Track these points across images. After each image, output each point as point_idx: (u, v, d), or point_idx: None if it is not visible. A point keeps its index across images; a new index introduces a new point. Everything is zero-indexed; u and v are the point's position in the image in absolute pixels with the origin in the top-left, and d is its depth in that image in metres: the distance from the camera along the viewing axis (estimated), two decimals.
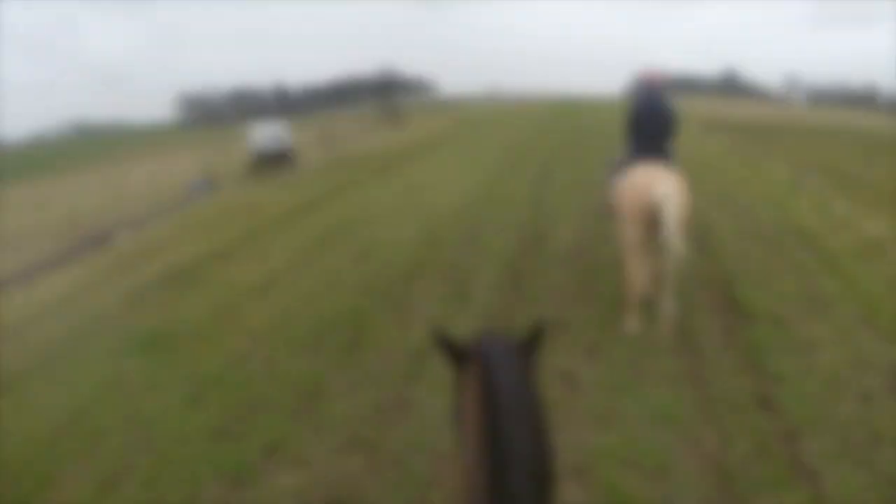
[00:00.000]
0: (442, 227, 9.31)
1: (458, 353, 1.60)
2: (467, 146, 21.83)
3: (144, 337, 6.74)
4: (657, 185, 4.70)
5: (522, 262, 7.42)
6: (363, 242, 9.13)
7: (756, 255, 7.29)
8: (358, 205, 12.29)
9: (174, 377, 5.62)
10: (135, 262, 10.95)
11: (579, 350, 5.08)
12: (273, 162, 22.73)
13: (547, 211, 9.84)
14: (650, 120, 5.27)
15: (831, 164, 14.61)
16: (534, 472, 1.32)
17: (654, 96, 5.34)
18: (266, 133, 23.68)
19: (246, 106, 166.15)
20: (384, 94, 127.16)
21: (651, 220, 4.72)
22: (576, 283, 6.57)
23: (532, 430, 1.37)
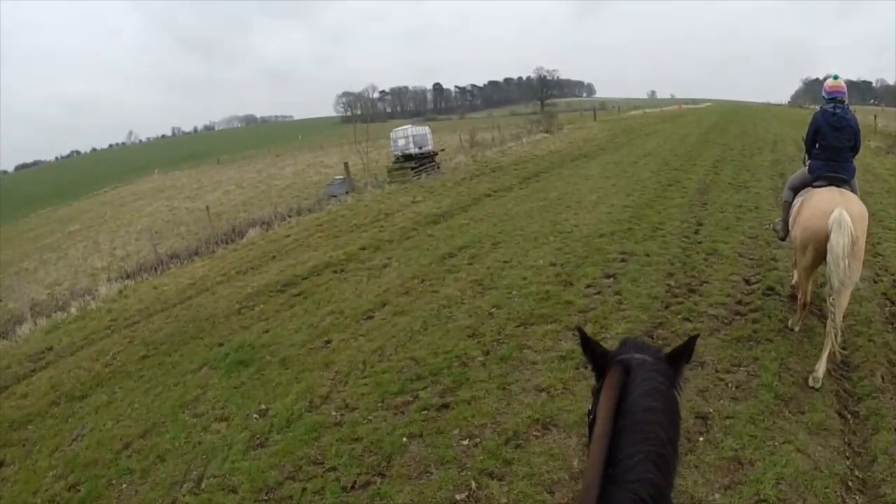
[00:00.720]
0: (579, 258, 8.19)
1: (600, 357, 1.58)
2: (619, 156, 20.04)
3: (234, 353, 6.56)
4: (834, 212, 4.57)
5: (665, 315, 6.07)
6: (486, 269, 8.27)
7: None
8: (492, 221, 11.48)
9: (244, 409, 5.21)
10: (256, 264, 11.06)
11: None
12: (415, 164, 22.66)
13: (704, 243, 8.39)
14: (835, 134, 5.11)
15: None
16: (642, 491, 1.19)
17: (839, 109, 5.15)
18: (408, 135, 23.72)
19: (405, 105, 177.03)
20: (541, 96, 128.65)
21: (824, 248, 4.62)
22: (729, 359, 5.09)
23: (656, 445, 1.28)
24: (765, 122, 36.02)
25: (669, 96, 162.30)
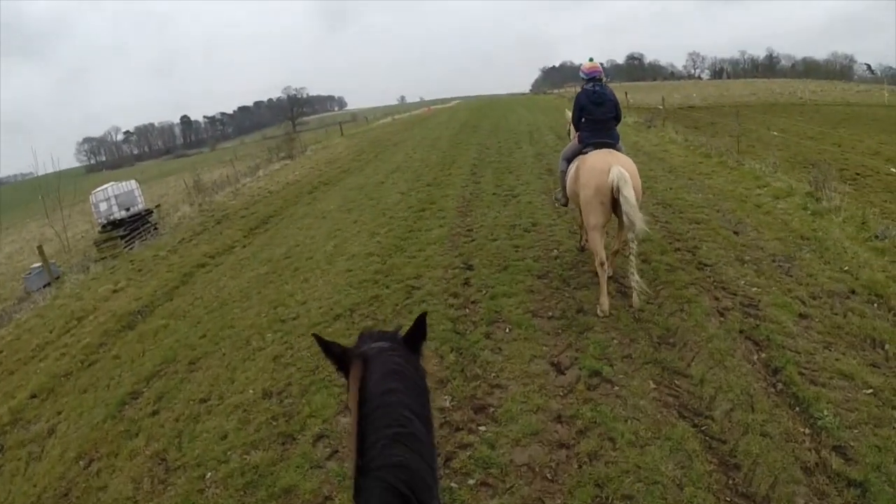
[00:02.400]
0: (304, 373, 5.21)
1: (340, 357, 1.58)
2: (364, 177, 17.29)
3: None
4: (613, 168, 5.21)
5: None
6: (174, 422, 5.02)
7: None
8: (196, 315, 7.92)
9: None
10: None
11: None
12: (125, 231, 17.93)
13: (480, 303, 5.93)
14: (598, 109, 5.83)
15: None
16: (389, 475, 1.21)
17: (598, 87, 5.91)
18: (109, 196, 18.86)
19: (152, 144, 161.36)
20: (292, 115, 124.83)
21: (610, 201, 5.25)
22: None
23: (402, 426, 1.30)
24: (515, 113, 36.68)
25: (419, 99, 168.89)
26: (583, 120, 5.90)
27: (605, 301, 5.39)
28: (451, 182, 13.26)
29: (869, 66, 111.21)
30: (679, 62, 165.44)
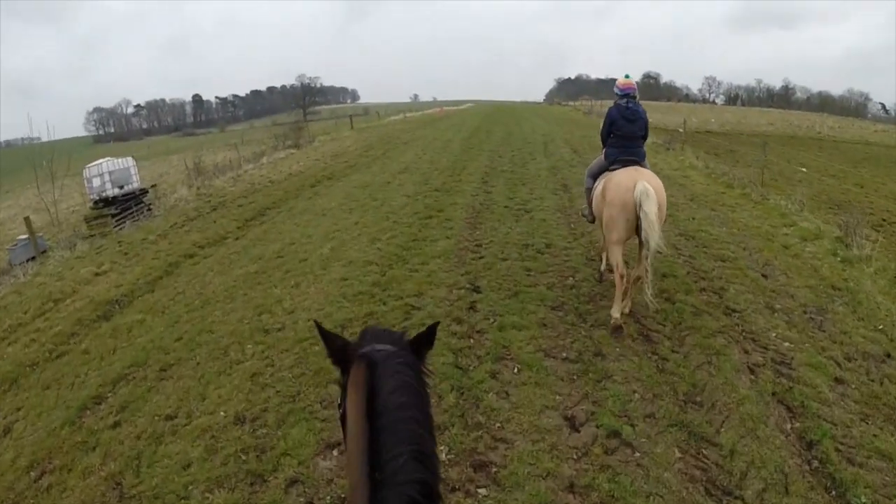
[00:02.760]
0: (284, 399, 4.69)
1: (340, 351, 1.55)
2: (371, 174, 16.79)
3: None
4: (639, 183, 5.21)
5: None
6: (135, 440, 4.53)
7: None
8: (176, 311, 7.37)
9: None
10: None
11: None
12: (117, 210, 17.37)
13: (486, 334, 5.42)
14: (629, 125, 5.80)
15: None
16: (412, 491, 1.22)
17: (630, 104, 5.87)
18: (104, 172, 18.29)
19: (162, 120, 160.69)
20: (304, 104, 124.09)
21: (635, 217, 5.23)
22: None
23: (417, 443, 1.30)
24: (529, 122, 36.09)
25: (432, 99, 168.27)
26: (611, 135, 5.90)
27: (617, 311, 5.41)
28: (460, 189, 12.71)
29: (884, 106, 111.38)
30: (694, 85, 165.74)
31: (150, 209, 17.73)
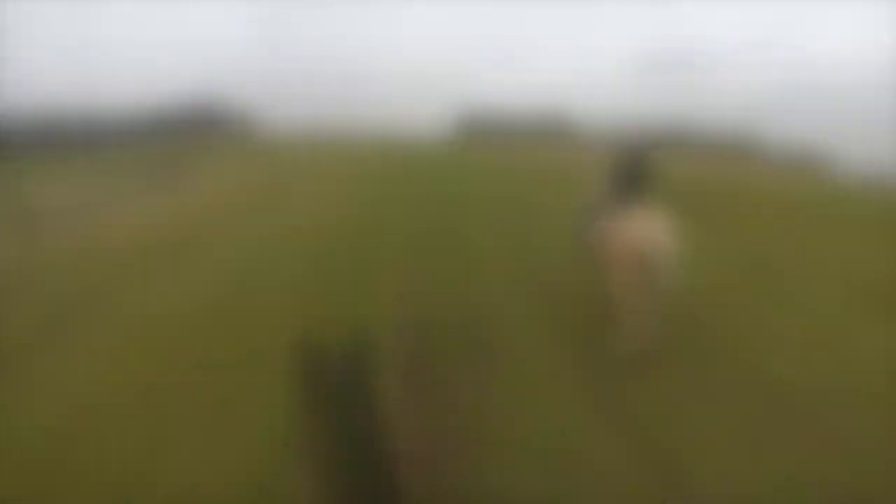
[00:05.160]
0: None
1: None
2: (233, 260, 10.18)
3: None
4: (650, 232, 5.38)
5: None
6: None
7: None
8: None
9: None
10: None
11: None
12: None
13: None
14: (635, 168, 6.07)
15: None
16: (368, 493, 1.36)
17: (643, 149, 6.31)
18: None
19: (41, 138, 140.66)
20: (180, 133, 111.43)
21: (644, 265, 5.41)
22: None
23: (363, 443, 1.46)
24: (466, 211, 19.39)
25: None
26: (617, 178, 6.29)
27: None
28: None
29: None
30: None
31: None
